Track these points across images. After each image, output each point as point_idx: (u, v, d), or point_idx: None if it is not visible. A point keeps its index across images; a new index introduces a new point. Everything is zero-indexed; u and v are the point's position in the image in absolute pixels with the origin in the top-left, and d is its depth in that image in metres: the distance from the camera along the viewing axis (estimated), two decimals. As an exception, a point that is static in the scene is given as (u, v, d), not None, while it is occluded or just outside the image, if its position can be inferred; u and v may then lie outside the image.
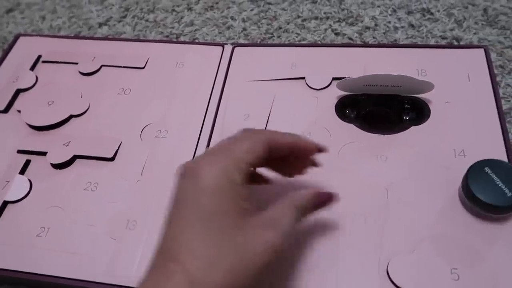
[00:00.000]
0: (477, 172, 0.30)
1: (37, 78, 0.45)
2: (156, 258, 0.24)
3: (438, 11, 0.48)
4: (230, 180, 0.24)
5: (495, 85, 0.38)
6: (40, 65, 0.47)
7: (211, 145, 0.38)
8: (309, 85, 0.40)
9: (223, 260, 0.23)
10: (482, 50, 0.40)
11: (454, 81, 0.38)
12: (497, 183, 0.29)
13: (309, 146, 0.30)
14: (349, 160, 0.35)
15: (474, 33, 0.46)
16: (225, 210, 0.24)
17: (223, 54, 0.44)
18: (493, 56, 0.43)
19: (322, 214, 0.33)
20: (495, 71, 0.42)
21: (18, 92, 0.44)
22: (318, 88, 0.40)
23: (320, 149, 0.30)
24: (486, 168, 0.30)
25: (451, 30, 0.46)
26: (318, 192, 0.28)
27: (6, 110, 0.43)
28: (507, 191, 0.29)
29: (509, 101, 0.41)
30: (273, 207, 0.26)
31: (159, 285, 0.22)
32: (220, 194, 0.24)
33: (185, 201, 0.24)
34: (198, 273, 0.22)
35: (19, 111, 0.42)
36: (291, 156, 0.30)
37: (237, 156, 0.26)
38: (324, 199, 0.29)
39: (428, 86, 0.36)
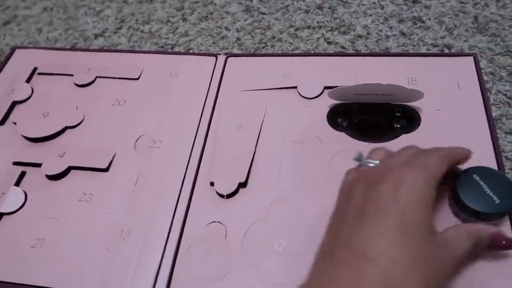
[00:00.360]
0: (465, 179, 0.30)
1: (32, 90, 0.46)
2: (343, 256, 0.24)
3: (429, 19, 0.49)
4: (430, 196, 0.26)
5: (484, 92, 0.38)
6: (36, 77, 0.47)
7: (204, 155, 0.39)
8: (301, 94, 0.41)
9: (420, 269, 0.23)
10: (471, 58, 0.40)
11: (444, 89, 0.39)
12: (486, 190, 0.30)
13: (468, 154, 0.30)
14: (341, 169, 0.35)
15: (465, 41, 0.46)
16: (422, 223, 0.24)
17: (217, 64, 0.45)
18: (483, 63, 0.44)
19: (315, 221, 0.33)
20: (486, 78, 0.42)
21: (14, 104, 0.45)
22: (310, 97, 0.41)
23: (469, 151, 0.31)
24: (474, 176, 0.30)
25: (442, 37, 0.47)
26: (497, 233, 0.28)
27: (2, 122, 0.43)
28: (495, 198, 0.29)
29: (500, 107, 0.41)
30: (449, 229, 0.27)
31: (352, 282, 0.22)
32: (420, 208, 0.25)
33: (386, 207, 0.25)
34: (397, 278, 0.22)
35: (15, 123, 0.43)
36: None
37: (432, 172, 0.26)
38: (501, 242, 0.27)
39: (418, 95, 0.36)
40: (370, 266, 0.23)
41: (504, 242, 0.27)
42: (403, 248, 0.23)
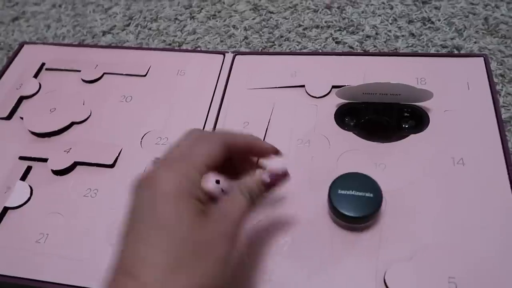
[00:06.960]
0: (339, 183, 0.32)
1: (40, 85, 0.46)
2: (109, 276, 0.22)
3: (439, 20, 0.48)
4: (192, 183, 0.24)
5: (494, 94, 0.37)
6: (43, 72, 0.47)
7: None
8: (309, 93, 0.41)
9: (182, 263, 0.22)
10: (481, 58, 0.40)
11: (453, 90, 0.38)
12: (354, 195, 0.31)
13: (266, 147, 0.30)
14: (348, 168, 0.35)
15: (475, 42, 0.46)
16: (183, 213, 0.23)
17: (224, 62, 0.45)
18: (493, 65, 0.43)
19: (319, 221, 0.33)
20: (496, 80, 0.42)
21: (21, 99, 0.45)
22: (317, 96, 0.40)
23: (276, 152, 0.31)
24: (348, 181, 0.32)
25: (452, 39, 0.46)
26: (266, 175, 0.27)
27: (9, 117, 0.43)
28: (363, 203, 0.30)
29: (509, 109, 0.40)
30: (224, 198, 0.26)
31: None
32: (179, 199, 0.23)
33: (140, 211, 0.23)
34: (157, 285, 0.21)
35: (22, 118, 0.43)
36: (241, 157, 0.30)
37: (197, 159, 0.25)
38: (273, 180, 0.27)
39: (427, 95, 0.36)
40: (129, 280, 0.21)
41: (278, 174, 0.27)
42: (160, 249, 0.22)
